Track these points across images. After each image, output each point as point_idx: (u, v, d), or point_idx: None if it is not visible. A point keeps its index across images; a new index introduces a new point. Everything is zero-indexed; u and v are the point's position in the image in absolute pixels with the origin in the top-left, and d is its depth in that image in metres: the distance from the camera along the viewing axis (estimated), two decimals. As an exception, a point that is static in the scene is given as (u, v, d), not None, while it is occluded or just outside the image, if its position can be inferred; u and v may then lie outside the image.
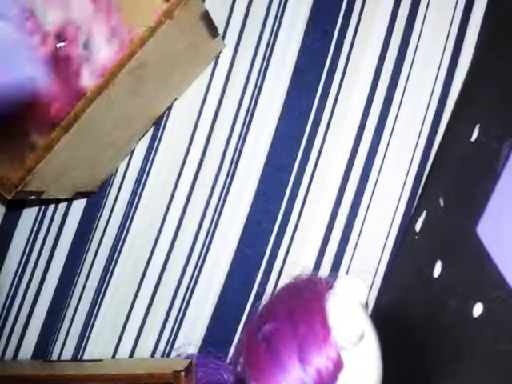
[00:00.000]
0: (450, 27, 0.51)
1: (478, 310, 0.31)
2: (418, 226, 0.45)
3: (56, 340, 0.52)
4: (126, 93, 0.43)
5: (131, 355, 0.51)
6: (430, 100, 0.51)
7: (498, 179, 0.33)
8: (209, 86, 0.52)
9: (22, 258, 0.53)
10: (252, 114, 0.52)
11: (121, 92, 0.42)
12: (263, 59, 0.52)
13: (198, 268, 0.51)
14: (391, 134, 0.49)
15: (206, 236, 0.51)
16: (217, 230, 0.51)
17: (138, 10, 0.52)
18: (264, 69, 0.52)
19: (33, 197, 0.43)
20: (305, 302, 0.36)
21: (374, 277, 0.50)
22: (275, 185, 0.51)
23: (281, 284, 0.50)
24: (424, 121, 0.50)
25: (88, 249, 0.52)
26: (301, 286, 0.39)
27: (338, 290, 0.37)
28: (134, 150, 0.52)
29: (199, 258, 0.51)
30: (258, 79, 0.52)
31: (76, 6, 0.46)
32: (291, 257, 0.50)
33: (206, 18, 0.45)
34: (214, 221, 0.51)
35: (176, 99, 0.52)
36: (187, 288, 0.51)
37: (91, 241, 0.52)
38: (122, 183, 0.52)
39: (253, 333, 0.37)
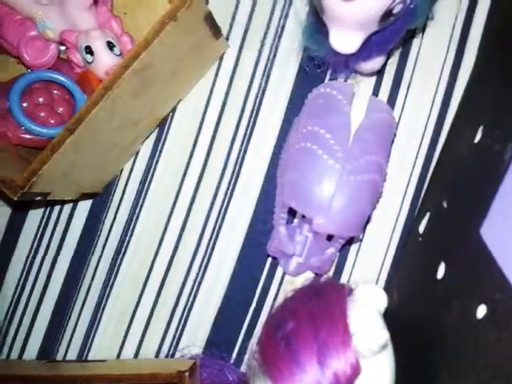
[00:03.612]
0: (453, 29, 0.51)
1: (481, 311, 0.31)
2: (421, 228, 0.45)
3: (61, 340, 0.52)
4: (131, 94, 0.43)
5: (136, 356, 0.51)
6: (433, 102, 0.51)
7: (502, 181, 0.33)
8: (213, 86, 0.52)
9: (27, 258, 0.53)
10: (257, 115, 0.52)
11: (125, 94, 0.42)
12: (268, 59, 0.52)
13: (202, 268, 0.51)
14: (395, 135, 0.49)
15: (211, 236, 0.52)
16: (221, 231, 0.51)
17: (142, 12, 0.53)
18: (268, 69, 0.52)
19: (38, 198, 0.43)
20: (327, 305, 0.36)
21: (378, 278, 0.50)
22: (279, 186, 0.51)
23: (284, 285, 0.50)
24: (427, 123, 0.50)
25: (93, 249, 0.52)
26: (321, 288, 0.39)
27: (358, 298, 0.37)
28: (138, 151, 0.52)
29: (204, 258, 0.51)
30: (262, 79, 0.52)
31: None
32: (295, 258, 0.50)
33: (210, 19, 0.45)
34: (219, 222, 0.51)
35: (180, 100, 0.52)
36: (191, 289, 0.51)
37: (97, 242, 0.52)
38: (126, 184, 0.53)
39: (272, 330, 0.37)
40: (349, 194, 0.42)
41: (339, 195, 0.42)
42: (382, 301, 0.38)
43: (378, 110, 0.45)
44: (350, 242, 0.50)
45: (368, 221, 0.49)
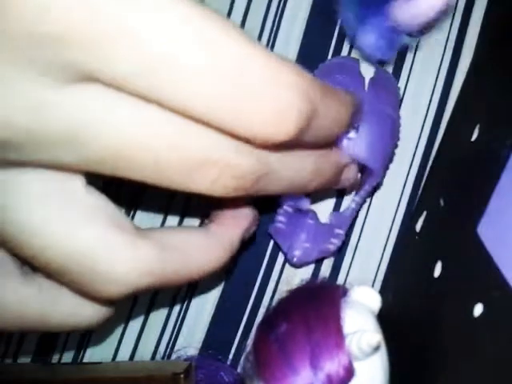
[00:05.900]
0: (451, 27, 0.51)
1: (478, 310, 0.31)
2: (418, 226, 0.45)
3: (56, 343, 0.52)
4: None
5: (131, 358, 0.51)
6: (430, 100, 0.50)
7: (499, 179, 0.32)
8: (208, 87, 0.52)
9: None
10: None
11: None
12: (263, 60, 0.52)
13: (198, 270, 0.51)
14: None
15: (206, 237, 0.51)
16: (217, 231, 0.51)
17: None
18: (264, 69, 0.52)
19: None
20: (321, 307, 0.36)
21: (375, 277, 0.49)
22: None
23: (281, 285, 0.50)
24: (425, 121, 0.50)
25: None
26: (316, 289, 0.39)
27: (353, 299, 0.37)
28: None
29: (199, 259, 0.51)
30: (258, 80, 0.52)
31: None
32: (291, 258, 0.50)
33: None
34: (214, 222, 0.51)
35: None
36: (187, 290, 0.51)
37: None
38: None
39: (265, 331, 0.37)
40: (371, 123, 0.42)
41: (364, 122, 0.42)
42: (375, 302, 0.38)
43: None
44: (346, 242, 0.49)
45: (365, 220, 0.49)
